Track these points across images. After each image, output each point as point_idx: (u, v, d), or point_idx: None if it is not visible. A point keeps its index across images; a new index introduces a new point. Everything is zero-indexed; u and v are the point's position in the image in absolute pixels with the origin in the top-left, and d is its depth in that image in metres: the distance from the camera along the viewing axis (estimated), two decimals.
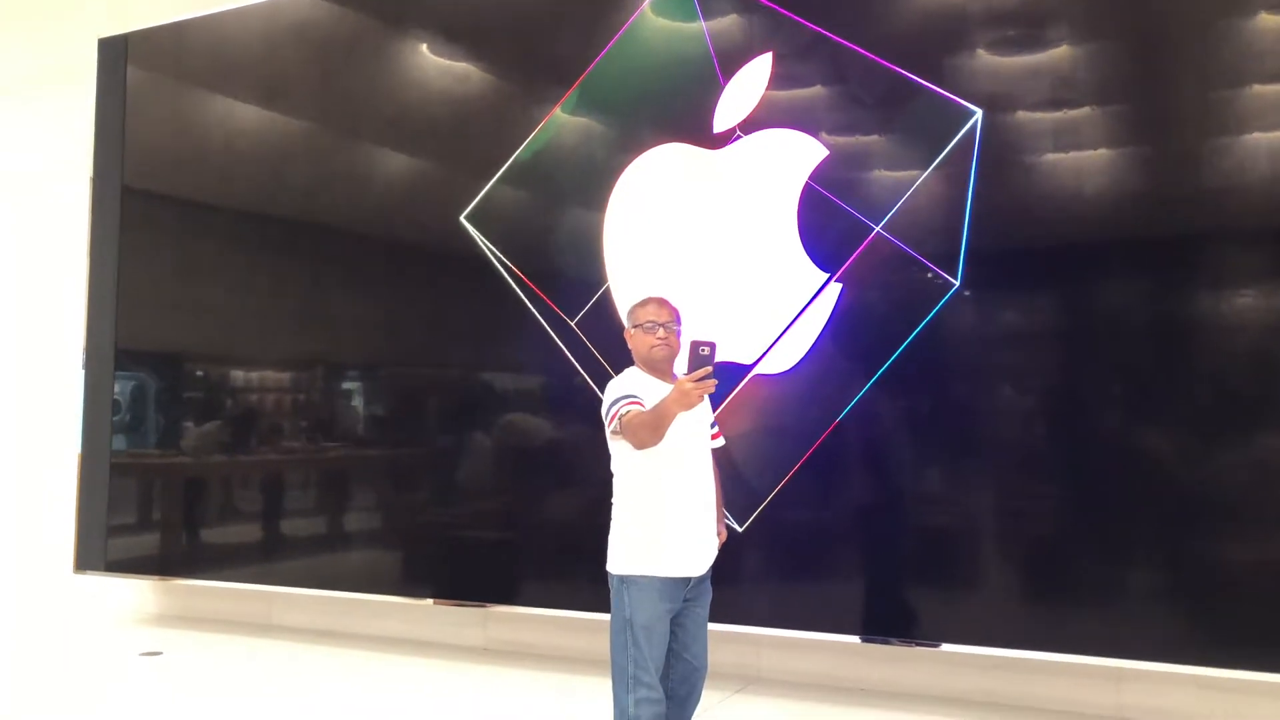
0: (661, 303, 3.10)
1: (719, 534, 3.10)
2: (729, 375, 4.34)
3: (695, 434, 3.01)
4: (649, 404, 2.87)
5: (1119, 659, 3.78)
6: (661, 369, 3.04)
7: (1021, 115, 4.02)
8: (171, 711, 4.19)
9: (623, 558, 2.97)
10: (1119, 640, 3.75)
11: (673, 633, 2.98)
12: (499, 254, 4.91)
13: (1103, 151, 3.94)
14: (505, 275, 4.91)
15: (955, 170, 4.05)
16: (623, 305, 4.62)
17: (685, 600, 2.98)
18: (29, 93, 7.08)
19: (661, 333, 3.01)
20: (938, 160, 4.08)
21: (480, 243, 4.97)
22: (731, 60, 4.50)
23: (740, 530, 4.29)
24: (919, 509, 4.18)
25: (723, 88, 4.50)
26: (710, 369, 2.71)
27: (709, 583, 3.06)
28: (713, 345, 2.72)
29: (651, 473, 2.95)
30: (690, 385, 2.71)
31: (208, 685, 4.62)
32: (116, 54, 6.27)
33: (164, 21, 6.10)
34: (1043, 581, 3.99)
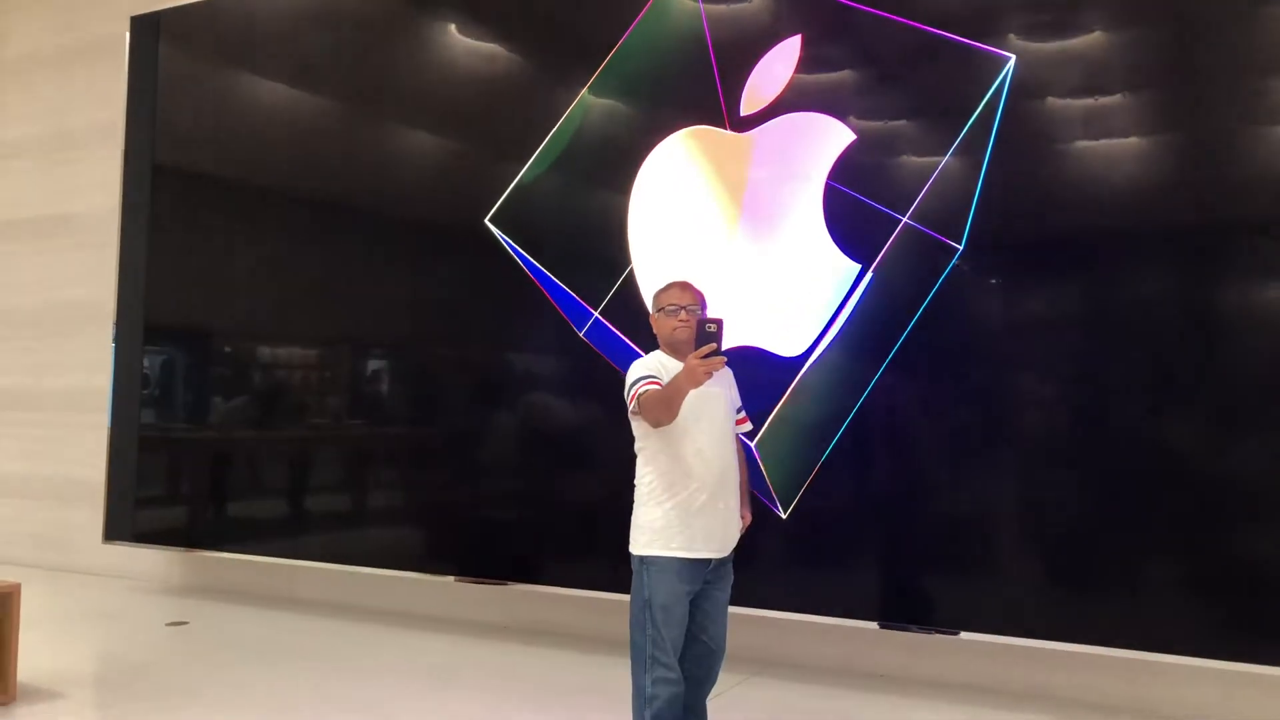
0: (685, 286, 3.13)
1: (743, 517, 3.12)
2: (754, 360, 4.34)
3: (717, 416, 3.02)
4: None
5: (1140, 651, 3.76)
6: (684, 351, 3.01)
7: (1052, 102, 3.99)
8: (198, 680, 4.26)
9: (643, 538, 3.00)
10: (1140, 632, 3.73)
11: (691, 614, 2.99)
12: (523, 252, 4.93)
13: (1134, 140, 3.90)
14: (529, 266, 4.92)
15: (975, 155, 4.02)
16: (647, 289, 4.63)
17: (705, 582, 3.00)
18: (62, 67, 7.15)
19: (684, 315, 3.04)
20: (968, 125, 4.05)
21: (504, 242, 4.98)
22: (758, 43, 4.48)
23: (784, 517, 4.28)
24: (939, 495, 4.16)
25: (750, 70, 4.48)
26: (716, 345, 2.74)
27: (731, 566, 3.08)
28: (719, 322, 2.75)
29: (672, 454, 2.97)
30: (696, 362, 2.75)
31: (233, 655, 4.69)
32: (149, 31, 6.32)
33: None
34: (1064, 571, 3.97)
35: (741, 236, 4.49)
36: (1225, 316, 3.78)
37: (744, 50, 4.51)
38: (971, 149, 4.05)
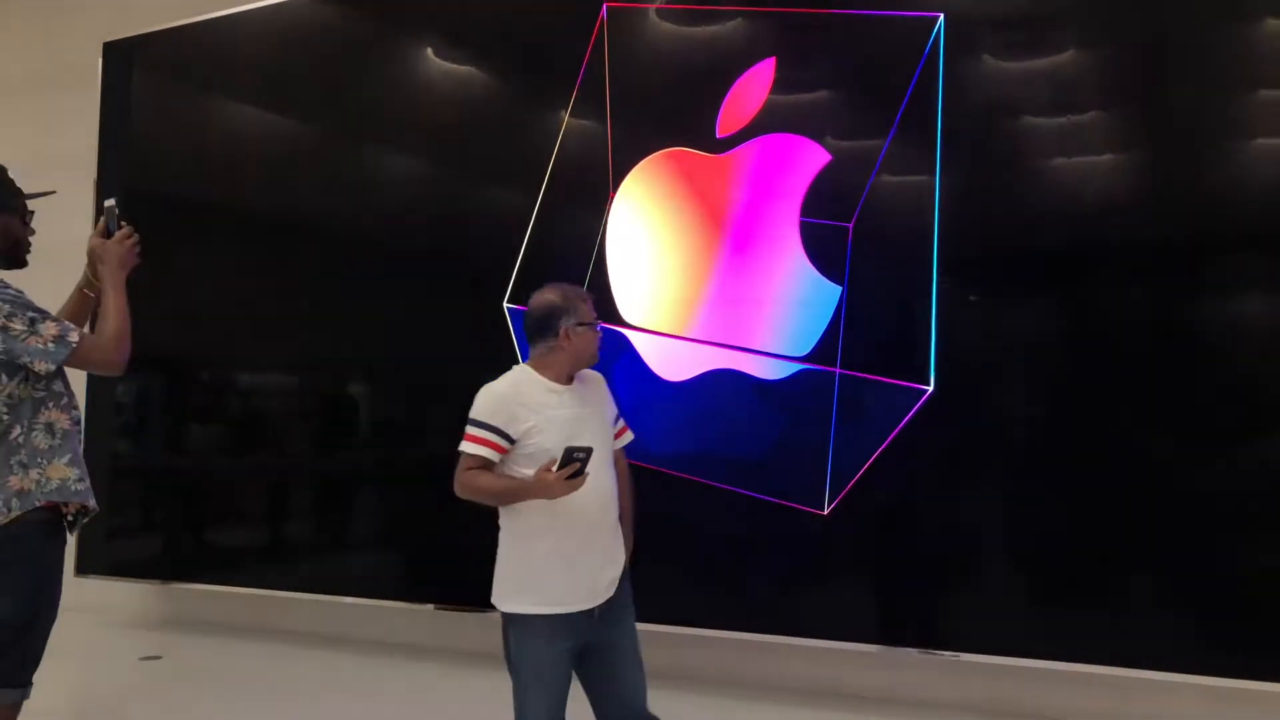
0: (589, 296, 2.79)
1: (626, 547, 2.73)
2: (735, 383, 4.33)
3: (595, 441, 2.58)
4: (533, 422, 2.55)
5: (1125, 668, 3.73)
6: (568, 372, 2.69)
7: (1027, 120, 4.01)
8: (173, 716, 4.18)
9: (503, 590, 2.62)
10: (1125, 648, 3.71)
11: (588, 672, 2.62)
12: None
13: (1109, 156, 3.93)
14: (508, 281, 4.89)
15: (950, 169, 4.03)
16: (628, 311, 4.60)
17: (595, 632, 2.59)
18: (34, 94, 7.07)
19: (598, 332, 2.74)
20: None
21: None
22: (734, 64, 4.48)
23: (825, 514, 4.18)
24: (922, 515, 4.15)
25: (726, 92, 4.48)
26: (578, 466, 2.44)
27: (628, 605, 2.68)
28: (589, 451, 2.46)
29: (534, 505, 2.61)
30: (559, 484, 2.42)
31: (206, 689, 4.61)
32: (121, 57, 6.27)
33: (168, 25, 6.09)
34: (1048, 589, 3.96)
35: (719, 259, 4.47)
36: (1209, 330, 3.78)
37: (719, 72, 4.51)
38: (936, 163, 4.05)
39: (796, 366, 4.24)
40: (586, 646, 2.59)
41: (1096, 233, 3.91)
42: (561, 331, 2.65)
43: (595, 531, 2.61)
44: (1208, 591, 3.69)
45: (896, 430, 4.03)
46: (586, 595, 2.57)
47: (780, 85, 4.39)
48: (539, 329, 2.68)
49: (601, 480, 2.61)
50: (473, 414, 2.58)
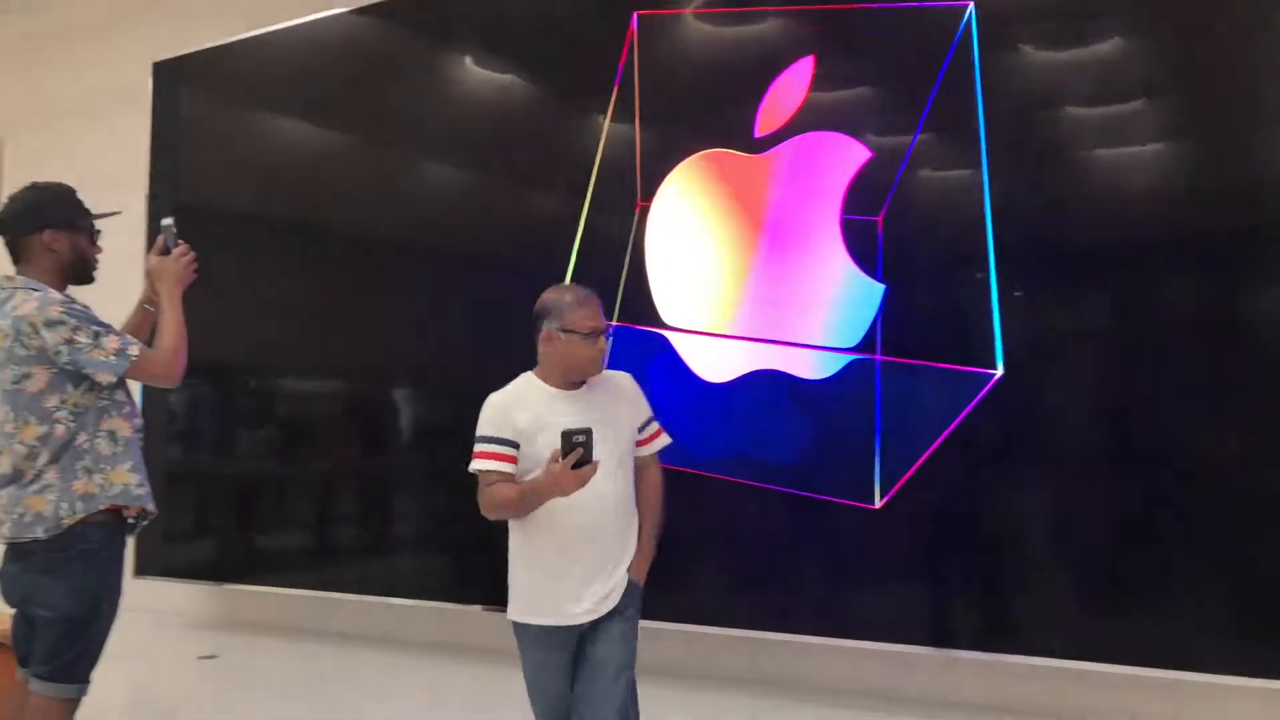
0: (596, 303, 2.61)
1: (635, 568, 2.58)
2: (778, 384, 4.36)
3: (601, 449, 2.46)
4: (524, 427, 2.49)
5: (1178, 671, 3.69)
6: (571, 379, 2.57)
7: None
8: (232, 714, 4.30)
9: (511, 601, 2.61)
10: (1178, 651, 3.67)
11: (577, 679, 2.55)
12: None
13: (1152, 147, 3.90)
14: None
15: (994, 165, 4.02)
16: (668, 313, 4.64)
17: (585, 642, 2.54)
18: (88, 115, 7.30)
19: (602, 343, 2.55)
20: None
21: None
22: (771, 64, 4.51)
23: (878, 507, 4.15)
24: (970, 513, 4.14)
25: (764, 92, 4.51)
26: (581, 452, 2.36)
27: (625, 619, 2.55)
28: (588, 432, 2.39)
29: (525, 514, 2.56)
30: (567, 476, 2.35)
31: (262, 689, 4.73)
32: (171, 76, 6.44)
33: (215, 44, 6.25)
34: (1101, 590, 3.93)
35: (760, 258, 4.50)
36: (1267, 324, 3.72)
37: (756, 72, 4.54)
38: (981, 153, 4.04)
39: (844, 359, 4.23)
40: (579, 655, 2.55)
41: (1152, 221, 3.87)
42: (542, 334, 2.57)
43: (589, 542, 2.49)
44: (1265, 592, 3.63)
45: (964, 414, 3.97)
46: (577, 608, 2.49)
47: (820, 83, 4.41)
48: (531, 328, 2.62)
49: (600, 487, 2.45)
50: (478, 430, 2.55)
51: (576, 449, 2.36)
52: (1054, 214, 3.99)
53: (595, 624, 2.52)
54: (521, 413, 2.52)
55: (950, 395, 4.02)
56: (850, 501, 4.19)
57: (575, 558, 2.50)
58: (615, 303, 4.70)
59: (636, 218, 4.75)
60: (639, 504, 2.62)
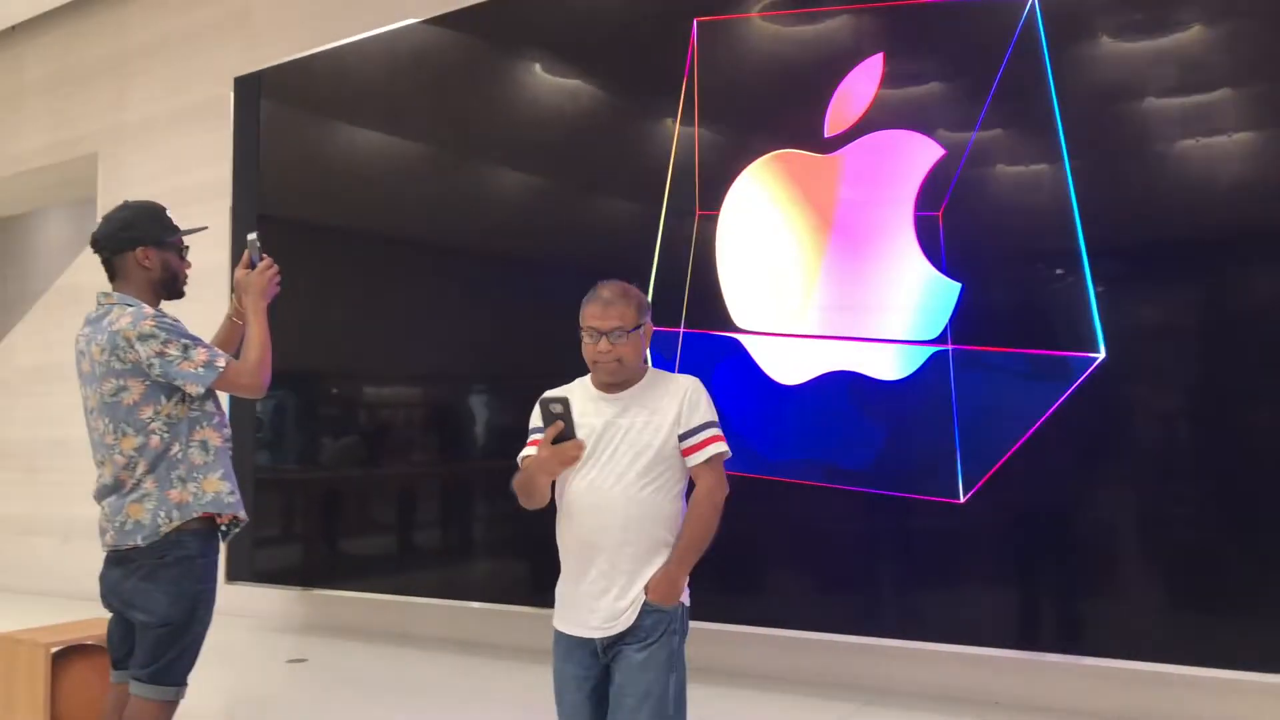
0: (606, 302, 2.45)
1: (651, 588, 2.35)
2: (852, 386, 4.30)
3: (615, 457, 2.38)
4: (575, 428, 2.41)
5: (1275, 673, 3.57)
6: (606, 385, 2.47)
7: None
8: (324, 717, 4.39)
9: None
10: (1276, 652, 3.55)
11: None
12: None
13: (1243, 135, 3.75)
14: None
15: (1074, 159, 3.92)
16: (738, 314, 4.62)
17: (606, 666, 2.40)
18: (172, 131, 7.54)
19: (604, 345, 2.40)
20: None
21: None
22: (838, 63, 4.46)
23: (962, 501, 4.06)
24: (1055, 514, 4.03)
25: (832, 92, 4.45)
26: (562, 425, 2.31)
27: (632, 654, 2.34)
28: (565, 401, 2.34)
29: (558, 506, 2.51)
30: (548, 454, 2.33)
31: (350, 692, 4.82)
32: (251, 90, 6.62)
33: (293, 57, 6.40)
34: (1193, 591, 3.81)
35: (833, 259, 4.45)
36: None
37: (823, 72, 4.49)
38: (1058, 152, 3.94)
39: (922, 358, 4.16)
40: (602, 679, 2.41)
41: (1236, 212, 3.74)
42: None
43: (598, 550, 2.36)
44: None
45: (1061, 400, 3.86)
46: (586, 622, 2.38)
47: (890, 80, 4.35)
48: None
49: (610, 495, 2.36)
50: (531, 422, 2.53)
51: (557, 422, 2.30)
52: (1138, 202, 3.88)
53: (618, 649, 2.35)
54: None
55: (1043, 383, 3.91)
56: (933, 498, 4.10)
57: (585, 566, 2.38)
58: (682, 308, 4.70)
59: (696, 224, 4.73)
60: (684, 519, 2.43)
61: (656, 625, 2.34)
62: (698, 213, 4.76)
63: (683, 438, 2.39)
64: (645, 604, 2.33)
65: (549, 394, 2.35)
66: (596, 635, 2.36)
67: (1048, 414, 3.89)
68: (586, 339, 2.44)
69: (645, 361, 2.52)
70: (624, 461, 2.35)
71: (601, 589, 2.35)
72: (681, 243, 4.77)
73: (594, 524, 2.36)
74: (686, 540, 2.37)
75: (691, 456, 2.39)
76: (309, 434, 6.50)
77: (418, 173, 5.92)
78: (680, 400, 2.40)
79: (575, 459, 2.34)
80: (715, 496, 2.39)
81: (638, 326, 2.44)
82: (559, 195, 5.43)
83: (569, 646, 2.43)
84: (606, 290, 2.48)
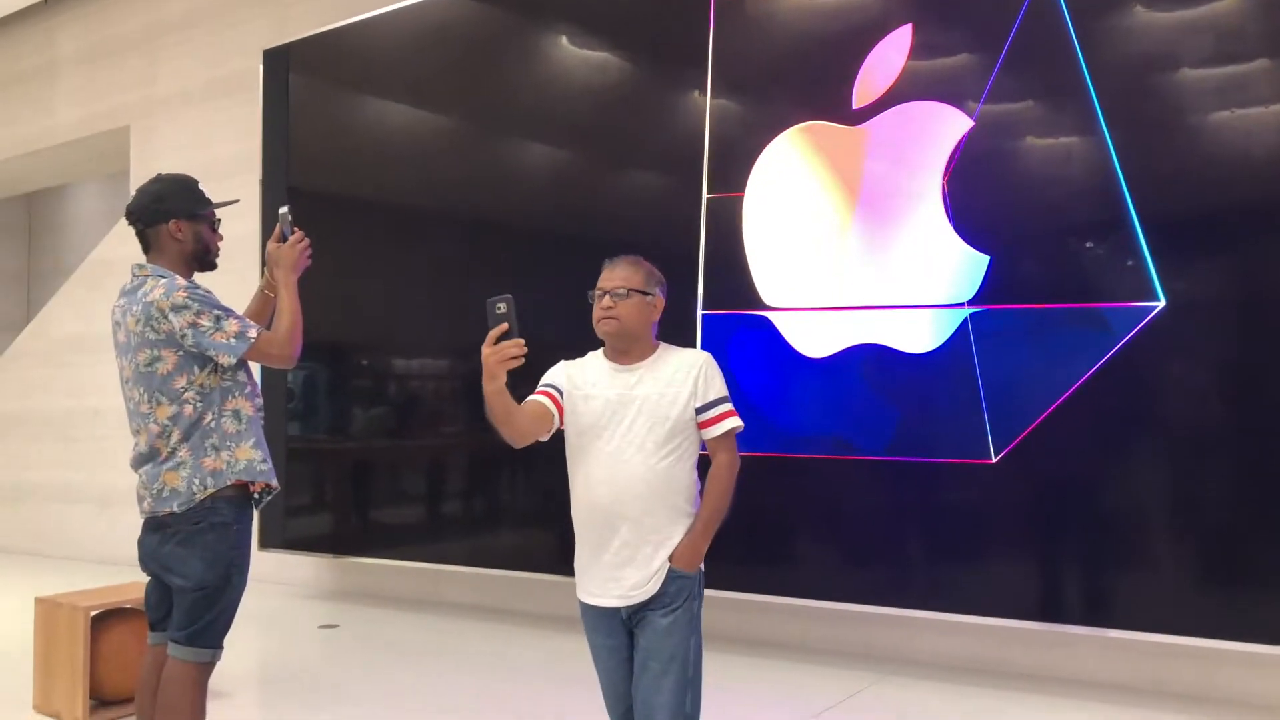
0: (614, 264, 2.53)
1: (675, 557, 2.38)
2: (879, 358, 4.30)
3: (632, 429, 2.40)
4: (572, 390, 2.49)
5: None
6: (614, 346, 2.50)
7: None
8: (355, 681, 4.48)
9: None
10: None
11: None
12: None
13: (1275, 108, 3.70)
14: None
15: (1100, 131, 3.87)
16: (765, 289, 4.62)
17: (633, 636, 2.42)
18: (203, 104, 7.60)
19: (607, 301, 2.45)
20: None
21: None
22: (867, 34, 4.42)
23: (995, 460, 4.06)
24: (1089, 488, 4.02)
25: (860, 63, 4.42)
26: (506, 326, 2.27)
27: (657, 620, 2.36)
28: (509, 300, 2.30)
29: (572, 478, 2.50)
30: (486, 352, 2.27)
31: (384, 657, 4.91)
32: (280, 63, 6.65)
33: (321, 30, 6.42)
34: (1220, 566, 3.79)
35: (858, 231, 4.43)
36: None
37: (853, 42, 4.45)
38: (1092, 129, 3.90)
39: (950, 329, 4.15)
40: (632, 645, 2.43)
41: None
42: None
43: (616, 520, 2.38)
44: None
45: (1115, 349, 3.82)
46: (611, 592, 2.40)
47: (918, 51, 4.31)
48: None
49: (625, 467, 2.38)
50: None
51: (502, 324, 2.27)
52: (1182, 165, 3.84)
53: (642, 616, 2.38)
54: (575, 371, 2.53)
55: (1087, 338, 3.88)
56: (966, 460, 4.10)
57: (603, 537, 2.40)
58: (698, 286, 4.71)
59: (705, 206, 4.72)
60: (704, 490, 2.45)
61: (680, 591, 2.39)
62: (747, 174, 4.74)
63: (699, 410, 2.42)
64: (670, 571, 2.37)
65: (494, 297, 2.31)
66: (622, 604, 2.39)
67: (1097, 366, 3.85)
68: (594, 302, 2.50)
69: (654, 338, 2.54)
70: (641, 432, 2.39)
71: (626, 558, 2.37)
72: (717, 220, 4.76)
73: (616, 493, 2.38)
74: (708, 510, 2.42)
75: (708, 430, 2.43)
76: (339, 404, 6.58)
77: (445, 145, 5.94)
78: (696, 373, 2.43)
79: (515, 359, 2.30)
80: (733, 471, 2.44)
81: (644, 293, 2.47)
82: (586, 169, 5.43)
83: (595, 617, 2.46)
84: (620, 258, 2.55)
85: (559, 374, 2.54)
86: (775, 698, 4.02)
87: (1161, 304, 3.76)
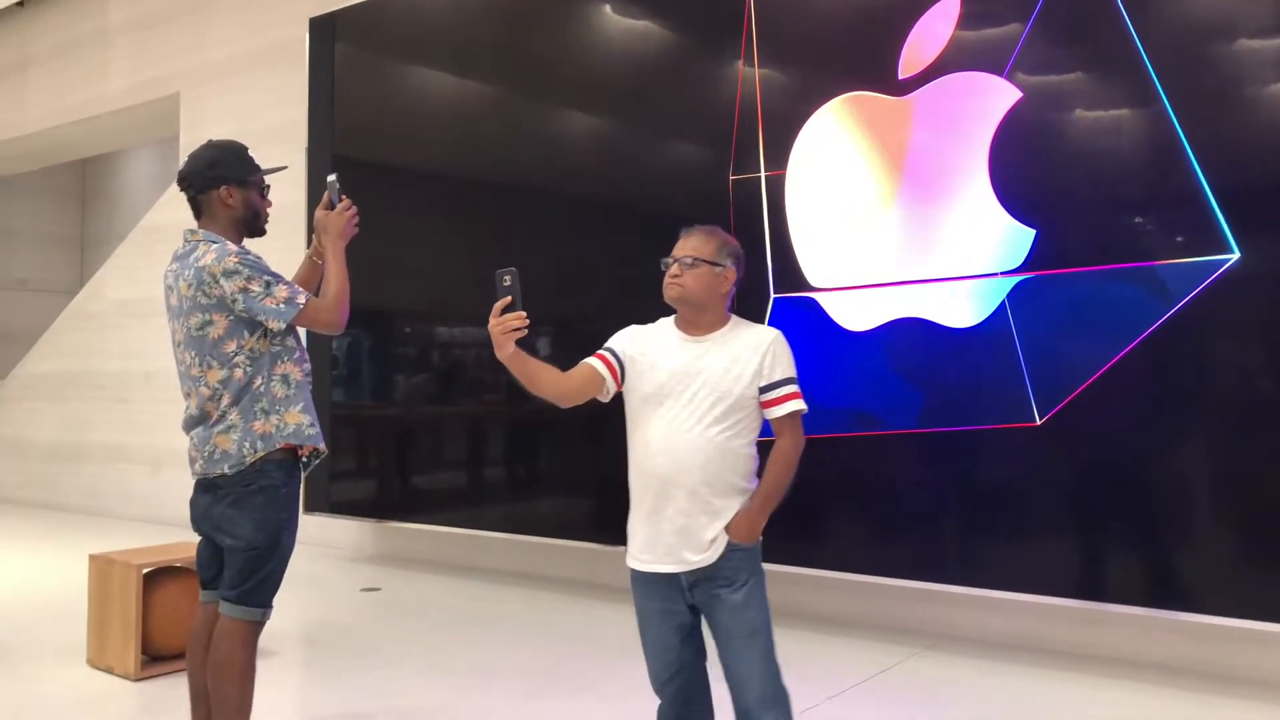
0: (686, 234, 2.53)
1: (733, 526, 2.38)
2: (921, 332, 4.27)
3: (690, 401, 2.40)
4: (637, 356, 2.49)
5: None
6: (683, 315, 2.51)
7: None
8: (397, 641, 4.57)
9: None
10: None
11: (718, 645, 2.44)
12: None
13: None
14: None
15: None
16: (808, 264, 4.60)
17: (693, 605, 2.44)
18: (249, 72, 7.67)
19: (675, 269, 2.46)
20: None
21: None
22: (913, 3, 4.36)
23: (1039, 422, 4.04)
24: (1124, 468, 3.98)
25: (908, 32, 4.36)
26: (510, 299, 2.34)
27: (728, 597, 2.38)
28: (513, 273, 2.36)
29: (631, 444, 2.50)
30: (493, 323, 2.35)
31: (425, 620, 5.00)
32: (326, 32, 6.69)
33: None
34: (1262, 547, 3.75)
35: (903, 204, 4.39)
36: None
37: (900, 11, 4.39)
38: (1148, 98, 3.82)
39: (998, 298, 4.11)
40: (709, 619, 2.44)
41: None
42: None
43: (669, 492, 2.38)
44: None
45: (1176, 309, 3.76)
46: (666, 558, 2.39)
47: (966, 21, 4.25)
48: None
49: (681, 439, 2.37)
50: None
51: (506, 296, 2.33)
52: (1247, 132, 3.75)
53: (712, 593, 2.38)
54: (642, 337, 2.53)
55: (1150, 297, 3.82)
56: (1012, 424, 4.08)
57: (659, 505, 2.39)
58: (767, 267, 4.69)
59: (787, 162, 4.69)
60: (765, 467, 2.44)
61: (743, 565, 2.39)
62: (791, 144, 4.70)
63: (763, 390, 2.40)
64: (729, 544, 2.37)
65: (501, 270, 2.36)
66: (681, 570, 2.38)
67: (1153, 328, 3.80)
68: (664, 269, 2.49)
69: (729, 310, 2.53)
70: (704, 405, 2.37)
71: (681, 525, 2.37)
72: (767, 188, 4.74)
73: (673, 463, 2.37)
74: (768, 487, 2.41)
75: (771, 410, 2.41)
76: (383, 371, 6.67)
77: (488, 114, 5.96)
78: (763, 352, 2.41)
79: (519, 331, 2.38)
80: (797, 451, 2.44)
81: (713, 264, 2.45)
82: (630, 137, 5.42)
83: (649, 583, 2.44)
84: (695, 227, 2.54)
85: (623, 338, 2.54)
86: (803, 673, 4.04)
87: (1235, 256, 3.68)
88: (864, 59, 4.49)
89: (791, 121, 4.68)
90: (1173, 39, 3.81)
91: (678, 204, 5.04)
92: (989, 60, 4.18)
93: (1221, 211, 3.70)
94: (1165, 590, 3.87)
